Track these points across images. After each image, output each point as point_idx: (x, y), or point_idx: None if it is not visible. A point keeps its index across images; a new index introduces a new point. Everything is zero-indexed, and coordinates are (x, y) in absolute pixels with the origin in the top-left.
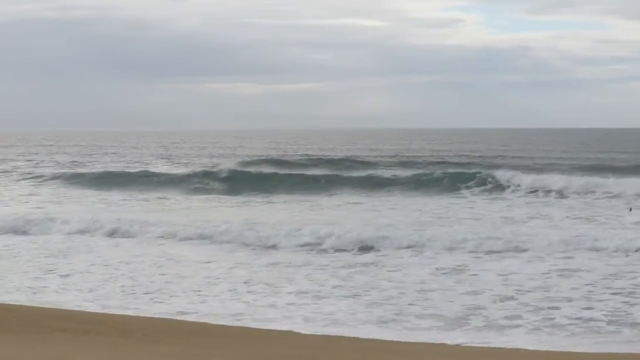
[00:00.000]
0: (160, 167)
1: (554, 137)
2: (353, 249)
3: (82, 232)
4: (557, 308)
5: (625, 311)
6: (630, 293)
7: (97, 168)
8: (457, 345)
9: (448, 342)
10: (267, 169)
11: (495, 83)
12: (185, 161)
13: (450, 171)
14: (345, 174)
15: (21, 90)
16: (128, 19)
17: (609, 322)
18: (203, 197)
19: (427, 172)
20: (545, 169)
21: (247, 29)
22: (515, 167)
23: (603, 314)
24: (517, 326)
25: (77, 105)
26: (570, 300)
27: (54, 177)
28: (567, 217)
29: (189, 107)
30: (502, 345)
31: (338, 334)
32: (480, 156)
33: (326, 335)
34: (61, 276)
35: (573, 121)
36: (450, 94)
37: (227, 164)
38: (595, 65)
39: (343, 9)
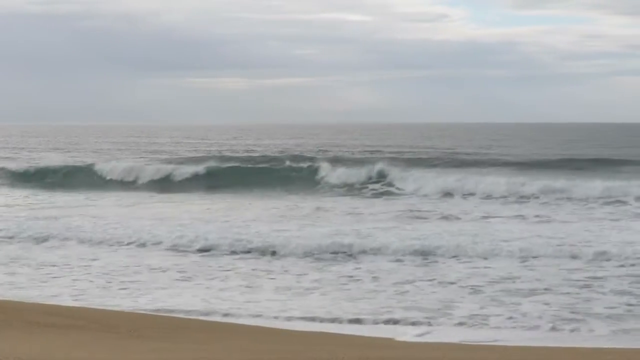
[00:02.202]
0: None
1: (532, 132)
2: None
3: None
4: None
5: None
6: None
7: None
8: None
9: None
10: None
11: (482, 78)
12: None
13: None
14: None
15: (5, 85)
16: (113, 12)
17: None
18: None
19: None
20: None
21: (231, 23)
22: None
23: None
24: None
25: (60, 100)
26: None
27: None
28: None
29: (173, 101)
30: (482, 340)
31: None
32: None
33: (315, 332)
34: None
35: (559, 116)
36: (436, 89)
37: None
38: (581, 60)
39: (328, 4)
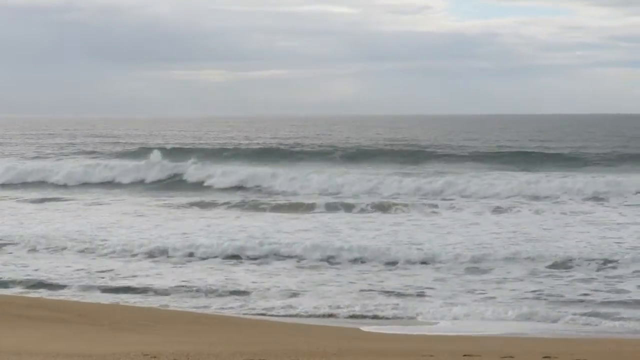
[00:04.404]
0: None
1: (509, 124)
2: None
3: None
4: None
5: None
6: None
7: None
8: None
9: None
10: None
11: (464, 69)
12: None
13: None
14: None
15: None
16: (97, 5)
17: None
18: None
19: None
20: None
21: (216, 15)
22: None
23: None
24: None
25: (42, 93)
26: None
27: None
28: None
29: (158, 94)
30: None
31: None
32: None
33: (294, 323)
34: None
35: (540, 107)
36: (419, 81)
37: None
38: (561, 52)
39: None
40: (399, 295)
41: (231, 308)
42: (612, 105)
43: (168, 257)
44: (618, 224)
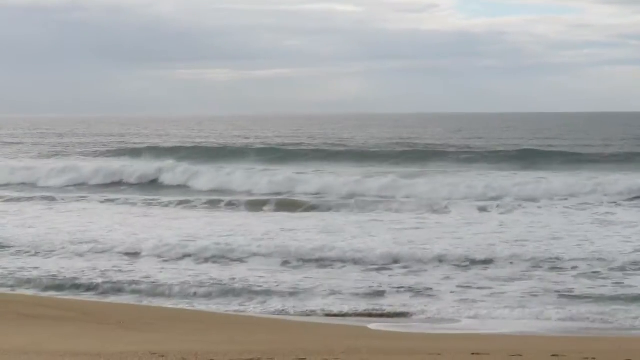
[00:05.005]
0: None
1: (511, 123)
2: None
3: None
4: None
5: None
6: None
7: None
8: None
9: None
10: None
11: (471, 68)
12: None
13: None
14: None
15: None
16: (101, 4)
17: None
18: None
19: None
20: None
21: (221, 14)
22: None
23: None
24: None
25: (48, 92)
26: None
27: None
28: None
29: (162, 93)
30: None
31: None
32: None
33: (307, 322)
34: None
35: (548, 105)
36: (425, 79)
37: None
38: (569, 50)
39: None
40: (407, 293)
41: (238, 307)
42: (620, 103)
43: (172, 256)
44: (624, 222)
